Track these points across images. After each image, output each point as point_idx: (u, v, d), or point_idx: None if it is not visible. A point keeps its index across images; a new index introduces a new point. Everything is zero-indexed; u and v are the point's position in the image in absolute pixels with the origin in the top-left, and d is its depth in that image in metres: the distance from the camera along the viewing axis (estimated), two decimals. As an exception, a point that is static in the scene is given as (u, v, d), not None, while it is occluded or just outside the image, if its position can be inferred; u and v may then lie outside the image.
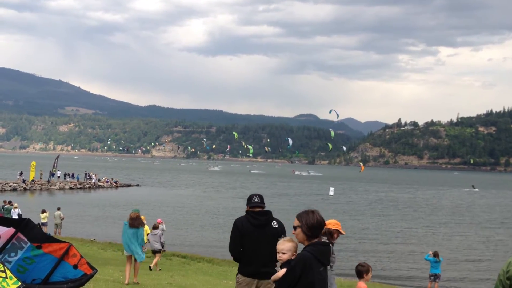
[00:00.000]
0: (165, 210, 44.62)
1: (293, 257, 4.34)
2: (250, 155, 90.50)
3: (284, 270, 4.20)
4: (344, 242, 30.54)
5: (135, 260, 12.08)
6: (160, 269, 16.94)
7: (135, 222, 11.96)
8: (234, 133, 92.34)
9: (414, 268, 24.36)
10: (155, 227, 17.74)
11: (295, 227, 4.26)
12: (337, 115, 59.10)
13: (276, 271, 5.37)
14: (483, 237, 35.49)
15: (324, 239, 6.02)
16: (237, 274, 5.92)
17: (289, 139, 74.74)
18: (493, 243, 32.77)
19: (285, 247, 4.45)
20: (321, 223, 4.23)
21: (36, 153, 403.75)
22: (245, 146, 73.81)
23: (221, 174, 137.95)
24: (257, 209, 5.92)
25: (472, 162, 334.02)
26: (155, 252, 17.30)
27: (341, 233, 7.11)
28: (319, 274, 4.00)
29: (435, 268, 18.38)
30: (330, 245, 4.38)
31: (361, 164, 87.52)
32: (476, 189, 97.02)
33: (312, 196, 68.37)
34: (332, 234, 6.93)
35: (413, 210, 53.76)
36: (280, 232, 5.83)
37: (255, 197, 5.99)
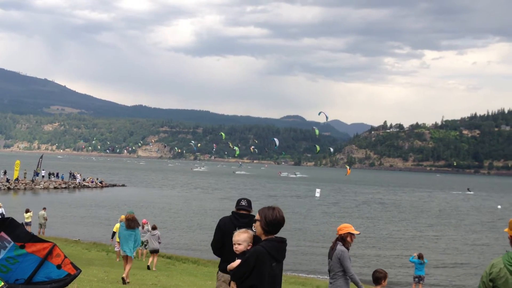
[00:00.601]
0: (151, 210, 44.39)
1: (249, 248, 4.44)
2: (236, 155, 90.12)
3: (239, 261, 4.29)
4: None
5: (130, 259, 12.33)
6: (155, 269, 17.29)
7: (131, 224, 12.20)
8: (222, 133, 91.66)
9: (400, 271, 24.51)
10: (154, 228, 18.16)
11: (255, 221, 4.41)
12: (326, 117, 59.07)
13: None
14: (470, 240, 35.76)
15: (340, 244, 6.74)
16: (218, 272, 6.22)
17: (275, 139, 74.65)
18: (479, 246, 32.97)
19: (240, 238, 4.55)
20: (279, 220, 4.27)
21: (21, 152, 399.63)
22: (232, 147, 73.65)
23: (205, 175, 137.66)
24: (243, 211, 6.22)
25: (455, 164, 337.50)
26: (153, 251, 17.63)
27: (354, 234, 7.12)
28: (271, 268, 4.10)
29: (419, 270, 18.50)
30: (285, 242, 4.36)
31: (347, 167, 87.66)
32: (471, 192, 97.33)
33: (298, 198, 68.47)
34: (345, 239, 7.03)
35: (399, 212, 54.12)
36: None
37: (243, 200, 6.32)
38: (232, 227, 5.97)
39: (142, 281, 13.64)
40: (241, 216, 6.17)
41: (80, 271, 8.82)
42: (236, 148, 79.26)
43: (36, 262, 8.47)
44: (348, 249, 6.99)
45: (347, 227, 7.12)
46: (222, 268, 6.12)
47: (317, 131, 68.91)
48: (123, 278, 12.37)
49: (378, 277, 7.17)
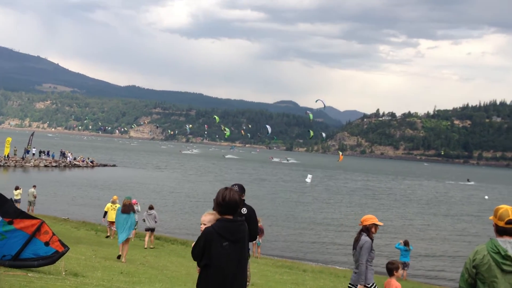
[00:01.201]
0: (142, 191, 44.37)
1: None
2: (227, 137, 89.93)
3: None
4: (323, 234, 30.88)
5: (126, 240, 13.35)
6: (152, 247, 18.33)
7: (127, 208, 13.29)
8: (215, 116, 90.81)
9: (387, 257, 24.74)
10: (150, 208, 19.03)
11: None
12: (324, 105, 58.77)
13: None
14: (459, 228, 36.04)
15: (364, 235, 7.09)
16: None
17: (268, 126, 74.31)
18: (468, 235, 33.20)
19: (206, 219, 4.59)
20: (227, 201, 4.25)
21: (12, 129, 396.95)
22: (223, 128, 73.46)
23: (195, 158, 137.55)
24: None
25: (443, 153, 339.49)
26: (148, 229, 18.64)
27: (378, 225, 7.30)
28: (222, 248, 4.14)
29: (404, 257, 18.74)
30: (242, 220, 4.38)
31: (340, 153, 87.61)
32: (472, 183, 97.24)
33: (289, 183, 68.66)
34: (369, 230, 7.24)
35: (390, 200, 54.40)
36: (248, 217, 6.56)
37: (234, 186, 6.69)
38: None
39: (130, 261, 13.69)
40: None
41: (68, 248, 8.92)
42: (226, 129, 78.69)
43: (24, 238, 8.52)
44: (372, 240, 7.18)
45: (371, 218, 7.30)
46: None
47: (311, 116, 68.66)
48: (119, 256, 13.35)
49: (391, 268, 7.33)
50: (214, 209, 4.44)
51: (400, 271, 18.60)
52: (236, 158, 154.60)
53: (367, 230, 7.22)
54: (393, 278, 7.34)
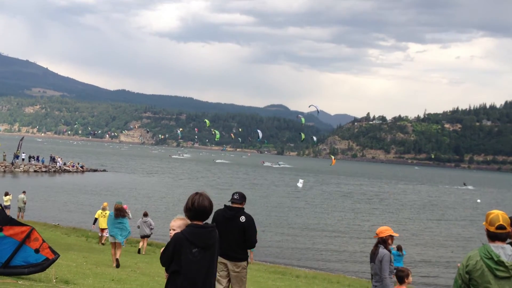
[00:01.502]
0: (133, 196, 44.16)
1: None
2: (217, 140, 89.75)
3: None
4: (317, 239, 30.84)
5: (118, 245, 13.79)
6: (144, 253, 18.45)
7: (120, 213, 13.73)
8: (206, 120, 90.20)
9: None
10: (145, 214, 19.12)
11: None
12: (317, 111, 58.54)
13: (244, 257, 7.14)
14: (453, 233, 36.04)
15: (382, 247, 7.11)
16: None
17: (259, 131, 74.11)
18: (462, 240, 33.15)
19: (175, 224, 4.54)
20: (196, 207, 4.20)
21: (1, 134, 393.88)
22: (213, 131, 73.08)
23: (186, 162, 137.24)
24: (235, 205, 7.13)
25: (433, 157, 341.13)
26: (143, 236, 18.81)
27: (394, 236, 7.36)
28: (191, 255, 4.07)
29: (397, 262, 18.68)
30: (213, 227, 4.32)
31: (332, 157, 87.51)
32: (470, 187, 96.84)
33: (281, 188, 68.65)
34: (386, 241, 7.25)
35: (384, 204, 54.35)
36: (247, 226, 7.01)
37: (235, 194, 7.22)
38: (222, 219, 7.01)
39: (121, 268, 13.59)
40: (229, 209, 7.10)
41: (59, 255, 8.82)
42: (216, 131, 78.21)
43: (13, 245, 8.42)
44: (390, 251, 7.21)
45: (387, 230, 7.33)
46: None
47: (303, 120, 68.45)
48: (117, 260, 13.67)
49: (401, 276, 7.31)
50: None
51: (393, 277, 18.63)
52: (227, 162, 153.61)
53: (384, 242, 7.22)
54: (403, 286, 7.30)
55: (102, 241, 20.33)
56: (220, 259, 6.70)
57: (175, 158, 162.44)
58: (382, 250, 7.13)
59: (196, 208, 4.19)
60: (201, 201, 4.21)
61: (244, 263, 7.19)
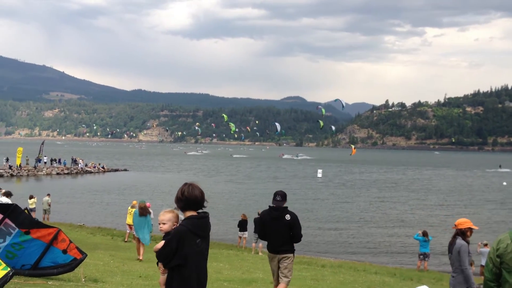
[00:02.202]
0: (156, 194, 44.47)
1: (174, 227, 4.40)
2: (232, 132, 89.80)
3: (162, 242, 4.27)
4: (342, 228, 30.75)
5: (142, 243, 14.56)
6: None
7: (143, 211, 14.44)
8: (224, 115, 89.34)
9: (408, 248, 24.64)
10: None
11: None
12: (343, 105, 57.73)
13: (291, 249, 7.80)
14: (482, 217, 35.41)
15: (459, 238, 7.16)
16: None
17: (277, 124, 73.71)
18: (493, 224, 32.53)
19: (165, 218, 4.51)
20: (187, 196, 4.21)
21: (22, 139, 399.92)
22: (229, 124, 72.67)
23: (204, 158, 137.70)
24: (278, 205, 7.70)
25: (454, 141, 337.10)
26: None
27: (473, 229, 7.33)
28: (195, 246, 4.11)
29: (424, 247, 18.54)
30: (207, 217, 4.32)
31: (353, 146, 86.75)
32: (506, 169, 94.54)
33: (301, 179, 68.53)
34: (465, 233, 7.25)
35: (408, 191, 53.86)
36: (292, 223, 7.65)
37: (277, 196, 7.76)
38: (268, 219, 7.75)
39: (147, 264, 13.69)
40: (274, 209, 7.72)
41: (86, 255, 8.91)
42: (231, 124, 77.90)
43: (41, 247, 8.53)
44: (468, 243, 7.17)
45: (466, 222, 7.29)
46: (268, 248, 7.97)
47: (323, 111, 67.72)
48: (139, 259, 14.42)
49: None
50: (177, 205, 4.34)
51: (420, 262, 18.48)
52: (244, 156, 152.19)
53: (463, 233, 7.20)
54: None
55: (126, 239, 20.65)
56: (270, 254, 7.86)
57: (191, 155, 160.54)
58: (459, 241, 7.13)
59: (188, 197, 4.19)
60: (191, 190, 4.22)
61: (291, 255, 7.86)
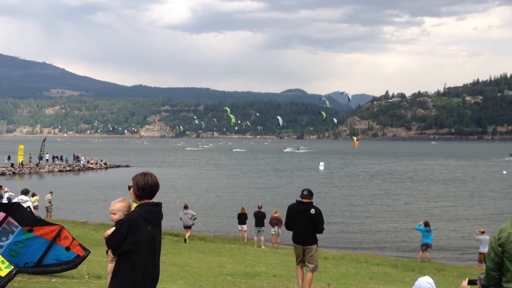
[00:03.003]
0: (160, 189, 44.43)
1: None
2: (232, 124, 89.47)
3: (113, 228, 4.30)
4: (344, 221, 30.80)
5: None
6: (191, 241, 19.82)
7: None
8: (226, 108, 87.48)
9: (410, 240, 24.65)
10: (186, 207, 20.46)
11: (129, 187, 4.52)
12: (349, 98, 57.35)
13: (314, 241, 8.64)
14: (483, 207, 35.39)
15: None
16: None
17: (279, 118, 73.30)
18: (493, 213, 32.56)
19: (115, 208, 4.60)
20: (151, 185, 4.30)
21: (23, 136, 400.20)
22: (229, 116, 71.99)
23: (205, 152, 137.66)
24: (305, 200, 8.63)
25: (453, 131, 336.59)
26: (186, 227, 20.17)
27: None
28: (146, 232, 4.14)
29: (426, 238, 18.56)
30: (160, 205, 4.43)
31: (355, 138, 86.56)
32: None
33: (304, 172, 68.54)
34: None
35: (412, 182, 53.79)
36: (315, 217, 8.54)
37: (305, 191, 8.75)
38: (296, 212, 8.67)
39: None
40: (301, 204, 8.66)
41: (89, 252, 8.93)
42: (231, 116, 77.28)
43: (44, 245, 8.55)
44: None
45: None
46: (293, 239, 8.82)
47: (327, 103, 67.32)
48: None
49: None
50: (131, 195, 4.40)
51: (422, 253, 18.49)
52: (243, 151, 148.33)
53: None
54: None
55: None
56: (296, 245, 8.75)
57: (188, 150, 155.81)
58: None
59: (150, 186, 4.29)
60: (151, 180, 4.31)
61: (315, 245, 8.76)
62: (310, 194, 8.68)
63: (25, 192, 16.42)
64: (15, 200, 15.53)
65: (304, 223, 8.54)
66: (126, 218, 4.20)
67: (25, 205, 15.05)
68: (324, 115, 65.75)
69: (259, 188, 46.16)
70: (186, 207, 20.42)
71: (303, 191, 8.76)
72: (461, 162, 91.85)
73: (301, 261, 8.78)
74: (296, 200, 8.78)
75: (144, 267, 4.14)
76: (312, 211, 8.52)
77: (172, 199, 38.39)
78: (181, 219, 20.30)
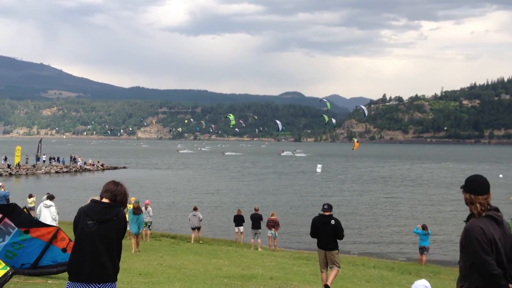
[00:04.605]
0: (155, 191, 44.47)
1: None
2: (231, 126, 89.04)
3: None
4: (343, 224, 30.72)
5: (137, 235, 16.48)
6: (201, 242, 20.79)
7: (136, 211, 16.60)
8: (230, 115, 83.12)
9: (406, 243, 24.66)
10: (195, 209, 21.48)
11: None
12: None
13: (336, 246, 10.28)
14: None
15: None
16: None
17: (278, 122, 73.08)
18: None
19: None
20: (110, 189, 4.84)
21: (20, 137, 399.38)
22: (228, 117, 71.12)
23: (200, 155, 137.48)
24: (326, 213, 10.22)
25: (446, 129, 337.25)
26: (194, 228, 21.15)
27: None
28: (86, 226, 4.62)
29: (424, 241, 18.60)
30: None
31: (355, 140, 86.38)
32: None
33: (301, 175, 68.55)
34: None
35: (410, 185, 53.91)
36: (335, 227, 10.16)
37: (325, 205, 10.35)
38: (319, 223, 10.27)
39: (148, 262, 13.74)
40: (323, 216, 10.26)
41: (86, 253, 8.91)
42: (231, 117, 76.22)
43: (41, 246, 8.54)
44: None
45: None
46: (318, 245, 10.36)
47: (328, 105, 67.13)
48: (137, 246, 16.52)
49: None
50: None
51: (421, 256, 18.49)
52: (235, 154, 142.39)
53: None
54: None
55: (127, 237, 20.68)
56: (319, 250, 10.33)
57: (182, 153, 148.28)
58: None
59: (109, 189, 4.87)
60: (118, 187, 4.89)
61: (336, 250, 10.33)
62: (330, 207, 10.31)
63: (50, 197, 16.40)
64: (40, 205, 15.79)
65: (326, 232, 10.18)
66: (78, 211, 4.79)
67: (49, 210, 15.40)
68: (326, 119, 65.47)
69: (260, 192, 46.15)
70: (195, 209, 21.41)
71: (324, 205, 10.37)
72: (454, 165, 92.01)
73: (324, 267, 10.29)
74: (319, 213, 10.42)
75: (78, 255, 4.59)
76: (333, 222, 10.18)
77: (169, 199, 38.35)
78: (190, 220, 21.32)
